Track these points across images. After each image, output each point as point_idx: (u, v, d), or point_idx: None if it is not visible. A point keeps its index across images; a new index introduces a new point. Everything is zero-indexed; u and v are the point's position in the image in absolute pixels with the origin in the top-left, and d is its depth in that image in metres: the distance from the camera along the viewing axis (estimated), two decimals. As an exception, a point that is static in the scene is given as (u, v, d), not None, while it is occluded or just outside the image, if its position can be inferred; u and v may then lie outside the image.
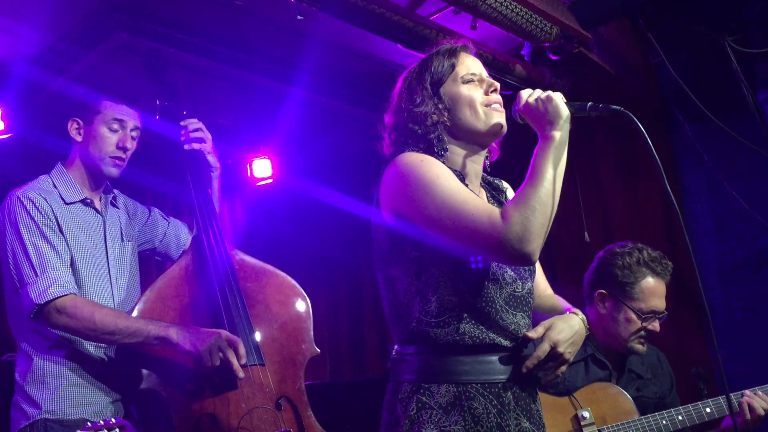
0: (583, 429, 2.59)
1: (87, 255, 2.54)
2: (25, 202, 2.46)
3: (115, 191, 2.80)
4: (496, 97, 1.99)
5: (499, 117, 1.97)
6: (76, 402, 2.44)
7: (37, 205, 2.46)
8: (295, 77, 3.71)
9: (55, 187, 2.58)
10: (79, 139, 2.63)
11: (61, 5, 3.08)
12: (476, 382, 1.83)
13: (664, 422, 2.61)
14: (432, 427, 1.79)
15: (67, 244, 2.49)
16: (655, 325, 2.74)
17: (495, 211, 1.78)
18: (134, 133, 2.67)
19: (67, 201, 2.57)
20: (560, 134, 1.84)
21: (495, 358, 1.85)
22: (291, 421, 2.49)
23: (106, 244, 2.63)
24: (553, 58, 3.58)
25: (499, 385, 1.84)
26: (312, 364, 2.70)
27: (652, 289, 2.73)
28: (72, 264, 2.48)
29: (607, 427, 2.60)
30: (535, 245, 1.74)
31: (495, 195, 2.11)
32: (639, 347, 2.74)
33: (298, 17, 2.96)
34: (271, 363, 2.54)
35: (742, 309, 3.84)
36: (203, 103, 4.06)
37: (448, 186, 1.82)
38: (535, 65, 3.76)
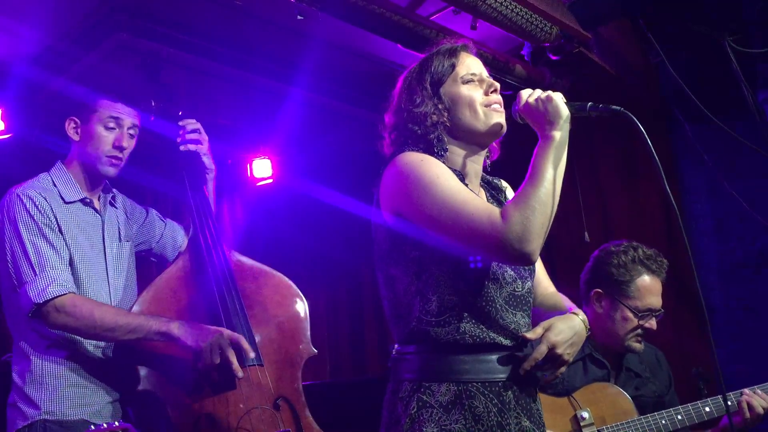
0: (583, 429, 2.59)
1: (85, 255, 2.54)
2: (24, 201, 2.45)
3: (114, 191, 2.79)
4: (496, 97, 1.99)
5: (499, 117, 1.97)
6: (76, 403, 2.42)
7: (37, 203, 2.45)
8: (295, 77, 3.71)
9: (55, 185, 2.57)
10: (76, 138, 2.62)
11: (61, 5, 3.09)
12: (477, 381, 1.83)
13: (663, 422, 2.61)
14: (433, 425, 1.79)
15: (66, 244, 2.48)
16: (652, 323, 2.74)
17: (495, 210, 1.78)
18: (132, 132, 2.65)
19: (67, 200, 2.56)
20: (560, 134, 1.85)
21: (495, 357, 1.85)
22: (289, 421, 2.49)
23: (104, 244, 2.63)
24: (553, 58, 3.58)
25: (500, 384, 1.84)
26: (312, 364, 2.70)
27: (648, 287, 2.73)
28: (70, 263, 2.48)
29: (607, 428, 2.59)
30: (535, 245, 1.74)
31: (494, 194, 2.11)
32: (636, 346, 2.74)
33: (298, 17, 2.96)
34: (269, 363, 2.54)
35: (742, 309, 3.84)
36: (203, 103, 4.06)
37: (448, 186, 1.82)
38: (535, 65, 3.76)
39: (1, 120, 3.62)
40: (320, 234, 5.34)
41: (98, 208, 2.67)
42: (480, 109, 1.96)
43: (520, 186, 1.81)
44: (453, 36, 3.10)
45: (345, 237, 5.17)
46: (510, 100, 1.98)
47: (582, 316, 1.95)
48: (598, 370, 2.75)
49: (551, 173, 1.80)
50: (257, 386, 2.48)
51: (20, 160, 3.65)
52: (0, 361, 3.00)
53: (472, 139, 1.99)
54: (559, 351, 1.85)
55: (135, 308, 2.52)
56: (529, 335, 1.87)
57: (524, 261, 1.78)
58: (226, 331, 2.42)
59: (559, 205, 1.83)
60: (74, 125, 2.62)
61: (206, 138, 2.84)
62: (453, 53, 2.03)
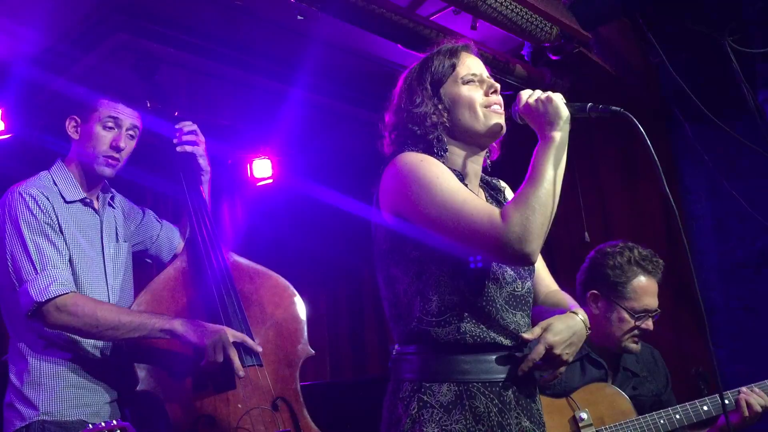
0: (582, 430, 2.59)
1: (84, 255, 2.53)
2: (27, 199, 2.44)
3: (113, 191, 2.79)
4: (496, 98, 1.99)
5: (498, 118, 1.97)
6: (74, 403, 2.42)
7: (39, 202, 2.45)
8: (295, 77, 3.71)
9: (56, 184, 2.56)
10: (76, 137, 2.62)
11: (60, 6, 3.08)
12: (477, 381, 1.83)
13: (662, 421, 2.61)
14: (433, 425, 1.79)
15: (66, 244, 2.47)
16: (649, 324, 2.74)
17: (495, 211, 1.78)
18: (131, 133, 2.64)
19: (68, 200, 2.56)
20: (560, 135, 1.85)
21: (496, 357, 1.85)
22: (287, 421, 2.49)
23: (102, 244, 2.62)
24: (554, 58, 3.58)
25: (500, 384, 1.84)
26: (312, 364, 2.71)
27: (644, 287, 2.72)
28: (70, 263, 2.47)
29: (606, 428, 2.59)
30: (535, 245, 1.74)
31: (494, 195, 2.11)
32: (633, 346, 2.74)
33: (298, 17, 2.96)
34: (268, 364, 2.54)
35: (742, 309, 3.84)
36: (203, 103, 4.07)
37: (447, 186, 1.82)
38: (536, 65, 3.76)
39: (1, 120, 3.62)
40: (320, 234, 5.34)
41: (97, 208, 2.66)
42: (480, 110, 1.96)
43: (520, 186, 1.81)
44: (454, 36, 3.11)
45: (345, 237, 5.17)
46: (510, 100, 1.98)
47: (582, 315, 1.95)
48: (595, 371, 2.75)
49: (551, 174, 1.80)
50: (257, 386, 2.48)
51: (20, 160, 3.64)
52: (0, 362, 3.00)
53: (472, 140, 1.99)
54: (557, 351, 1.84)
55: (133, 308, 2.52)
56: (527, 336, 1.87)
57: (524, 261, 1.78)
58: (230, 330, 2.42)
59: (559, 206, 1.83)
60: (74, 124, 2.62)
61: (203, 139, 2.84)
62: (454, 53, 2.02)
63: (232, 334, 2.41)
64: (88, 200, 2.62)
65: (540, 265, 2.09)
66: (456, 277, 1.85)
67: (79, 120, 2.61)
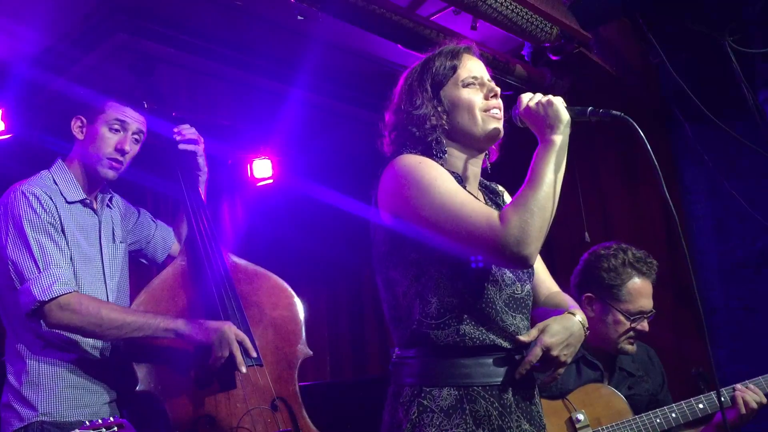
0: (578, 431, 2.59)
1: (83, 255, 2.53)
2: (30, 198, 2.43)
3: (111, 191, 2.79)
4: (496, 102, 1.98)
5: (497, 123, 1.96)
6: (73, 404, 2.42)
7: (42, 202, 2.44)
8: (295, 77, 3.71)
9: (56, 184, 2.56)
10: (80, 137, 2.61)
11: (61, 6, 3.09)
12: (477, 384, 1.83)
13: (658, 420, 2.61)
14: (434, 430, 1.79)
15: (68, 244, 2.47)
16: (644, 325, 2.74)
17: (493, 213, 1.78)
18: (137, 137, 2.65)
19: (69, 200, 2.55)
20: (560, 138, 1.85)
21: (495, 359, 1.85)
22: (287, 422, 2.50)
23: (100, 244, 2.62)
24: (554, 58, 3.58)
25: (500, 386, 1.84)
26: (312, 364, 2.71)
27: (639, 289, 2.72)
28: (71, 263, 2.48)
29: (602, 429, 2.60)
30: (533, 248, 1.74)
31: (492, 198, 2.11)
32: (629, 347, 2.75)
33: (298, 17, 2.96)
34: (267, 364, 2.54)
35: (742, 309, 3.84)
36: (203, 104, 4.07)
37: (446, 188, 1.82)
38: (536, 65, 3.76)
39: (2, 120, 3.62)
40: (320, 234, 5.34)
41: (96, 209, 2.66)
42: (478, 114, 1.95)
43: (519, 189, 1.81)
44: (453, 36, 3.11)
45: (345, 237, 5.18)
46: (510, 100, 1.98)
47: (580, 316, 1.94)
48: (591, 372, 2.75)
49: (550, 177, 1.80)
50: (257, 386, 2.48)
51: (20, 160, 3.64)
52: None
53: (470, 143, 1.99)
54: (554, 353, 1.84)
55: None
56: (523, 338, 1.87)
57: (522, 264, 1.78)
58: (232, 326, 2.43)
59: (559, 207, 1.82)
60: (80, 124, 2.62)
61: (202, 140, 2.85)
62: (455, 55, 2.02)
63: (234, 330, 2.41)
64: (87, 201, 2.62)
65: (540, 267, 2.08)
66: (455, 279, 1.85)
67: (85, 120, 2.61)
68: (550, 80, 3.76)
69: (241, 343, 2.42)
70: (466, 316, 1.84)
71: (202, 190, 2.85)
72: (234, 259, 2.73)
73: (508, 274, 1.91)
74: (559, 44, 3.48)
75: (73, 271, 2.47)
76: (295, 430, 2.50)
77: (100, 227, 2.65)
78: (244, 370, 2.39)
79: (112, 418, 1.96)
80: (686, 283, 3.68)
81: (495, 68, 3.48)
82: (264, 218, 5.26)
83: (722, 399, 2.61)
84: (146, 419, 2.51)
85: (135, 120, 2.63)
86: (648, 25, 3.53)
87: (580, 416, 2.61)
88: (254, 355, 2.45)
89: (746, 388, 2.66)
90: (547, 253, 1.99)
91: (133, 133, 2.63)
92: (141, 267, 3.03)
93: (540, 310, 2.03)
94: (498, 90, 2.00)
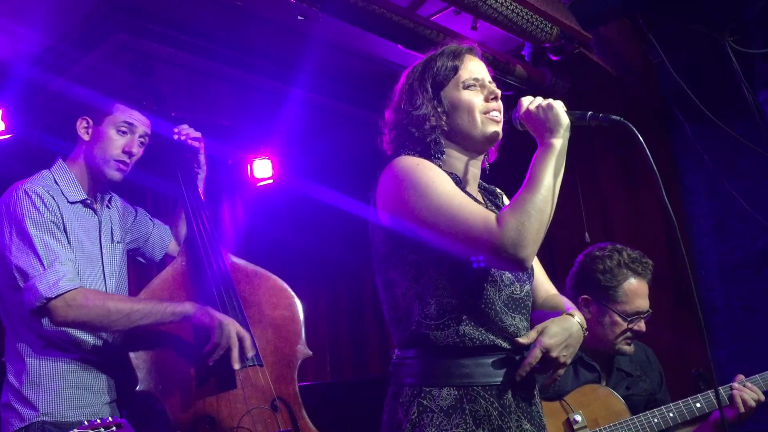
0: (576, 432, 2.60)
1: (85, 255, 2.54)
2: (32, 197, 2.43)
3: (110, 192, 2.79)
4: (496, 104, 1.98)
5: (496, 126, 1.97)
6: (74, 404, 2.42)
7: (45, 201, 2.44)
8: (295, 77, 3.72)
9: (57, 183, 2.56)
10: (86, 138, 2.61)
11: (61, 6, 3.09)
12: (477, 384, 1.83)
13: (655, 420, 2.61)
14: (434, 430, 1.79)
15: (70, 243, 2.47)
16: (641, 326, 2.73)
17: (491, 215, 1.78)
18: (142, 140, 2.66)
19: (70, 200, 2.56)
20: (560, 142, 1.85)
21: (495, 360, 1.85)
22: (287, 422, 2.50)
23: (101, 244, 2.63)
24: (554, 58, 3.58)
25: (500, 387, 1.84)
26: (312, 364, 2.71)
27: (635, 290, 2.72)
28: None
29: (600, 429, 2.59)
30: (530, 251, 1.74)
31: (492, 200, 2.11)
32: (626, 348, 2.74)
33: (298, 17, 2.96)
34: (267, 364, 2.55)
35: (742, 309, 3.84)
36: (204, 104, 4.07)
37: (443, 190, 1.82)
38: (536, 66, 3.76)
39: (2, 120, 3.62)
40: (321, 234, 5.34)
41: (96, 209, 2.67)
42: (478, 117, 1.95)
43: (517, 192, 1.81)
44: (454, 36, 3.11)
45: (345, 237, 5.17)
46: (511, 100, 1.98)
47: (578, 317, 1.94)
48: (588, 374, 2.75)
49: (549, 180, 1.80)
50: (257, 386, 2.48)
51: (20, 160, 3.65)
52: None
53: (469, 144, 1.99)
54: (553, 354, 1.84)
55: None
56: (522, 340, 1.87)
57: (518, 266, 1.78)
58: (236, 323, 2.44)
59: (559, 209, 1.83)
60: (86, 125, 2.62)
61: (203, 139, 2.86)
62: (457, 56, 2.02)
63: (237, 327, 2.42)
64: (88, 201, 2.62)
65: (538, 270, 2.08)
66: (454, 279, 1.85)
67: (91, 121, 2.61)
68: (550, 80, 3.76)
69: (240, 341, 2.42)
70: (465, 316, 1.84)
71: (200, 187, 2.86)
72: (234, 259, 2.74)
73: (508, 274, 1.91)
74: (560, 44, 3.49)
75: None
76: (295, 430, 2.50)
77: (100, 227, 2.65)
78: (237, 366, 2.39)
79: (110, 418, 1.96)
80: (686, 284, 3.68)
81: (495, 68, 3.48)
82: (264, 218, 5.27)
83: (720, 398, 2.61)
84: (146, 419, 2.52)
85: (142, 123, 2.65)
86: (648, 25, 3.53)
87: (578, 417, 2.61)
88: (252, 353, 2.45)
89: (744, 386, 2.66)
90: (547, 253, 1.99)
91: (140, 136, 2.65)
92: (141, 267, 3.03)
93: (538, 313, 2.03)
94: (498, 92, 2.00)
